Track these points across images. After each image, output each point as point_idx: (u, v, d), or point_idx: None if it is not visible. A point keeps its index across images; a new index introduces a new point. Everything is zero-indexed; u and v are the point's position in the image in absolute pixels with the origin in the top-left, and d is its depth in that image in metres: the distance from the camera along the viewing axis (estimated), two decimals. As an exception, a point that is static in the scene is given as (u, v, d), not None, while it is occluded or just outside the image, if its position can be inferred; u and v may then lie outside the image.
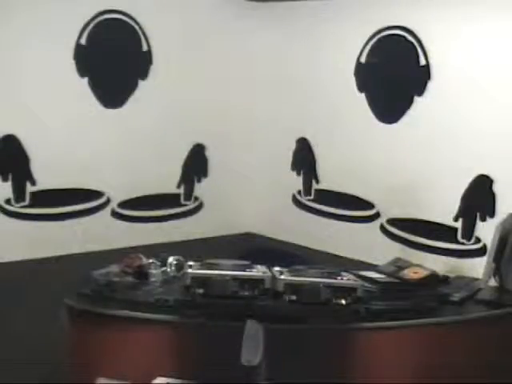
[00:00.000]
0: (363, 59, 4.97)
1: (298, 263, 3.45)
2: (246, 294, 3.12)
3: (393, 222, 4.86)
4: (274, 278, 3.16)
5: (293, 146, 5.47)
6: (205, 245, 5.22)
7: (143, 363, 3.04)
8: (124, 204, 5.06)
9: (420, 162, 4.63)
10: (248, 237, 5.61)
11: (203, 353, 3.03)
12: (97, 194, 4.91)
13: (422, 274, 3.65)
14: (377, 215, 4.95)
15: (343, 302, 3.12)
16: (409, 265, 3.77)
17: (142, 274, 3.38)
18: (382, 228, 4.91)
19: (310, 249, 5.11)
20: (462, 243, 4.45)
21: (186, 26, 5.19)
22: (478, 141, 4.31)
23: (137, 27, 4.95)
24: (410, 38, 4.66)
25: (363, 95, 4.99)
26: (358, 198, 5.05)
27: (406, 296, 3.38)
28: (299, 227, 5.41)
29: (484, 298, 3.50)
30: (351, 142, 5.09)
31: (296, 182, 5.47)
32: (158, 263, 3.48)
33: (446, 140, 4.49)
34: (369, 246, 4.90)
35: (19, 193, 4.57)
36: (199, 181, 5.45)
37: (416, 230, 4.70)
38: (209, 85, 5.35)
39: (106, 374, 2.94)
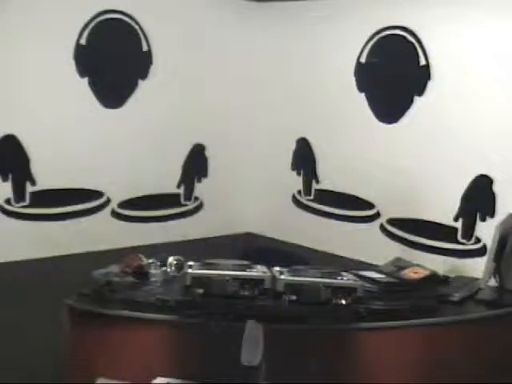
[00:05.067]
0: (363, 59, 4.97)
1: (298, 263, 3.45)
2: (246, 293, 3.13)
3: (393, 221, 4.86)
4: (274, 277, 3.17)
5: (293, 146, 5.46)
6: (205, 245, 5.22)
7: (143, 363, 3.04)
8: (124, 204, 5.05)
9: (420, 162, 4.63)
10: (248, 237, 5.60)
11: (203, 353, 3.03)
12: (97, 194, 4.91)
13: (422, 273, 3.66)
14: (377, 215, 4.95)
15: (343, 301, 3.13)
16: (409, 265, 3.78)
17: (142, 274, 3.39)
18: (382, 228, 4.91)
19: (309, 249, 5.10)
20: (462, 243, 4.45)
21: (186, 26, 5.18)
22: (478, 141, 4.31)
23: (137, 27, 4.95)
24: (410, 37, 4.65)
25: (363, 95, 4.98)
26: (357, 198, 5.05)
27: (406, 296, 3.39)
28: (299, 227, 5.41)
29: (484, 297, 3.50)
30: (351, 142, 5.09)
31: (296, 182, 5.47)
32: (158, 263, 3.48)
33: (446, 140, 4.49)
34: (369, 246, 4.90)
35: (19, 193, 4.56)
36: (199, 181, 5.45)
37: (416, 229, 4.70)
38: (209, 85, 5.35)
39: (106, 374, 2.94)
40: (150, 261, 3.47)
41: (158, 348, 3.09)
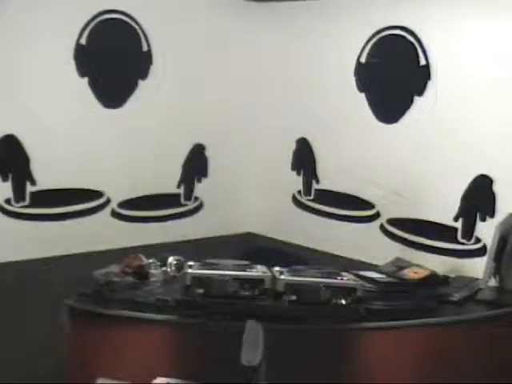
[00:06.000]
0: (363, 59, 4.97)
1: (298, 263, 3.45)
2: (246, 294, 3.13)
3: (393, 222, 4.86)
4: (274, 277, 3.17)
5: (293, 146, 5.46)
6: (205, 245, 5.22)
7: (143, 363, 3.05)
8: (124, 204, 5.05)
9: (420, 162, 4.63)
10: (248, 237, 5.60)
11: (203, 353, 3.03)
12: (97, 194, 4.91)
13: (422, 273, 3.66)
14: (377, 215, 4.95)
15: (343, 301, 3.13)
16: (409, 265, 3.78)
17: (142, 274, 3.39)
18: (382, 228, 4.91)
19: (310, 249, 5.10)
20: (462, 243, 4.45)
21: (186, 26, 5.18)
22: (478, 141, 4.31)
23: (137, 27, 4.95)
24: (410, 37, 4.65)
25: (363, 95, 4.98)
26: (357, 198, 5.04)
27: (406, 296, 3.39)
28: (299, 227, 5.41)
29: (484, 298, 3.50)
30: (351, 142, 5.09)
31: (296, 181, 5.47)
32: (158, 263, 3.49)
33: (446, 140, 4.48)
34: (369, 246, 4.90)
35: (19, 193, 4.56)
36: (199, 181, 5.45)
37: (416, 229, 4.70)
38: (209, 85, 5.35)
39: (106, 374, 2.94)
40: (150, 261, 3.47)
41: (158, 348, 3.09)
